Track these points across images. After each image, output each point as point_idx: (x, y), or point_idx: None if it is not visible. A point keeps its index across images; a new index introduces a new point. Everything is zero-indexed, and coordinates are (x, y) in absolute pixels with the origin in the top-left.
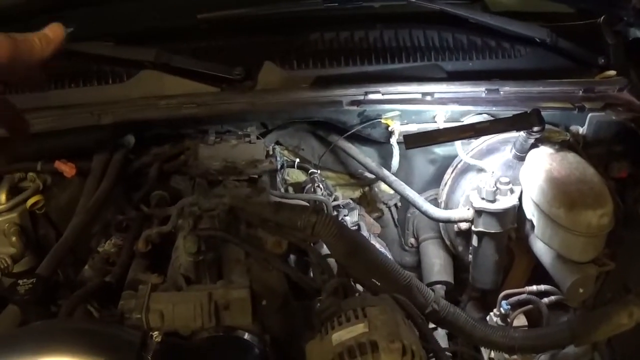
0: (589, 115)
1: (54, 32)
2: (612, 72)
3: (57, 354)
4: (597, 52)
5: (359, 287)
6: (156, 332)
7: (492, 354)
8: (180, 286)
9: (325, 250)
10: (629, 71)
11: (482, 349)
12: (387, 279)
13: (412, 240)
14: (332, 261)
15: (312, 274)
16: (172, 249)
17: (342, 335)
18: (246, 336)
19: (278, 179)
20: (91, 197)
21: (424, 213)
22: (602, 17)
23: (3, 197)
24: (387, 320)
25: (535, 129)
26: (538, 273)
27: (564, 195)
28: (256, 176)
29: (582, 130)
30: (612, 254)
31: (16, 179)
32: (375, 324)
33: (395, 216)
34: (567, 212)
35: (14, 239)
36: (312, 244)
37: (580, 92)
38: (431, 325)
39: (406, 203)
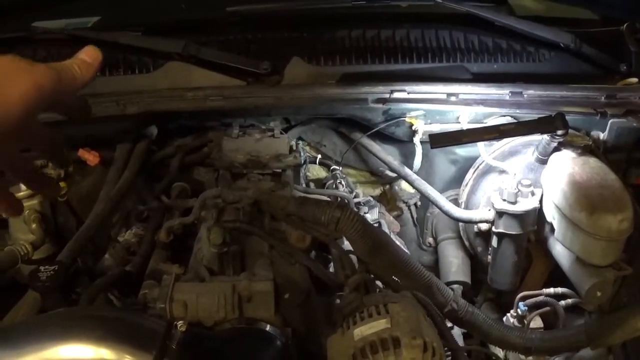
0: (610, 121)
1: (90, 55)
2: (634, 80)
3: (81, 341)
4: (620, 59)
5: (379, 283)
6: (180, 322)
7: (508, 355)
8: (203, 277)
9: (346, 246)
10: None
11: (497, 349)
12: (408, 276)
13: (431, 239)
14: (352, 257)
15: (333, 269)
16: (193, 240)
17: (364, 330)
18: (268, 328)
19: (301, 174)
20: (113, 187)
21: (446, 213)
22: (625, 25)
23: None
24: (409, 317)
25: (559, 132)
26: (555, 276)
27: (586, 199)
28: (280, 170)
29: (602, 135)
30: (629, 259)
31: (38, 165)
32: (398, 320)
33: (415, 215)
34: (588, 216)
35: (34, 225)
36: (334, 240)
37: (603, 98)
38: (448, 324)
39: (426, 202)
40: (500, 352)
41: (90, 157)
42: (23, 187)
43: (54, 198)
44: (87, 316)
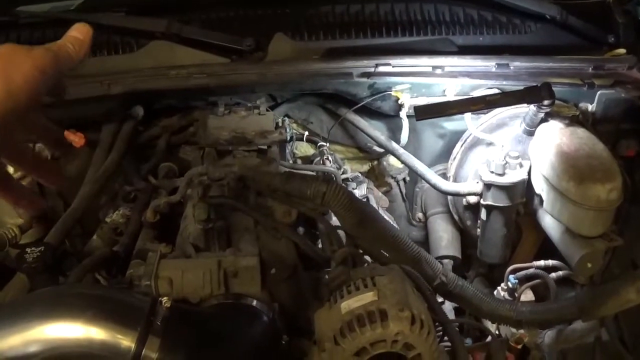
0: (598, 92)
1: (81, 32)
2: (622, 50)
3: (66, 319)
4: (607, 30)
5: (367, 258)
6: (165, 298)
7: (499, 329)
8: (189, 254)
9: (334, 222)
10: (639, 49)
11: (489, 323)
12: (396, 250)
13: (420, 214)
14: (341, 233)
15: (321, 245)
16: (180, 220)
17: (351, 303)
18: (254, 304)
19: (287, 151)
20: (99, 168)
21: (433, 186)
22: None
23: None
24: (397, 290)
25: (546, 102)
26: (546, 249)
27: (574, 169)
28: (265, 147)
29: (591, 107)
30: (620, 230)
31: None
32: (385, 293)
33: (404, 190)
34: (576, 185)
35: (21, 209)
36: (321, 215)
37: (590, 69)
38: (439, 299)
39: (415, 177)
40: (491, 326)
41: (76, 139)
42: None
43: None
44: (72, 294)
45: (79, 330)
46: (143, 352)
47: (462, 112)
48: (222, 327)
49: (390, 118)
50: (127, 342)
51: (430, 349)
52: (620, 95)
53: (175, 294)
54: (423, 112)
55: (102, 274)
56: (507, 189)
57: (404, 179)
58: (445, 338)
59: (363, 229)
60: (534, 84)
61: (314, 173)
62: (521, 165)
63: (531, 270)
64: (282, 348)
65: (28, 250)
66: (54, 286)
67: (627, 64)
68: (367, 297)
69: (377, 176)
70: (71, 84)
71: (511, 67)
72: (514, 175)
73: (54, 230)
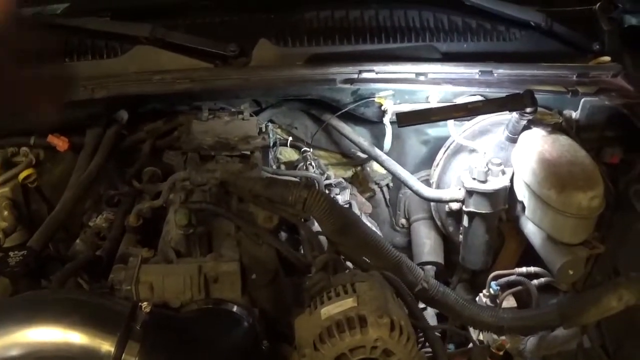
0: (583, 100)
1: None
2: (607, 58)
3: (46, 324)
4: (592, 38)
5: (349, 264)
6: (145, 303)
7: (481, 335)
8: (170, 259)
9: (316, 228)
10: (623, 57)
11: (471, 330)
12: (377, 256)
13: (403, 220)
14: (322, 239)
15: (302, 251)
16: (163, 224)
17: (331, 309)
18: (235, 309)
19: (270, 156)
20: (83, 172)
21: (415, 192)
22: (598, 4)
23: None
24: (376, 296)
25: (528, 110)
26: (528, 255)
27: (555, 177)
28: (248, 152)
29: (575, 114)
30: (602, 237)
31: (9, 153)
32: (364, 299)
33: (387, 196)
34: (557, 193)
35: (5, 212)
36: (303, 221)
37: (574, 76)
38: (421, 305)
39: (398, 183)
40: (474, 333)
41: (60, 143)
42: None
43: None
44: (52, 299)
45: (59, 335)
46: (123, 357)
47: (444, 119)
48: (202, 332)
49: (374, 124)
50: (106, 346)
51: (409, 355)
52: (604, 102)
53: (156, 299)
54: (405, 119)
55: (85, 278)
56: (489, 196)
57: (387, 185)
58: (427, 344)
59: (344, 235)
60: (517, 92)
61: (296, 179)
62: (504, 173)
63: (513, 277)
64: (262, 353)
65: (11, 254)
66: (34, 291)
67: (612, 72)
68: (346, 303)
69: (360, 182)
70: None
71: (495, 75)
72: (496, 182)
73: (37, 234)
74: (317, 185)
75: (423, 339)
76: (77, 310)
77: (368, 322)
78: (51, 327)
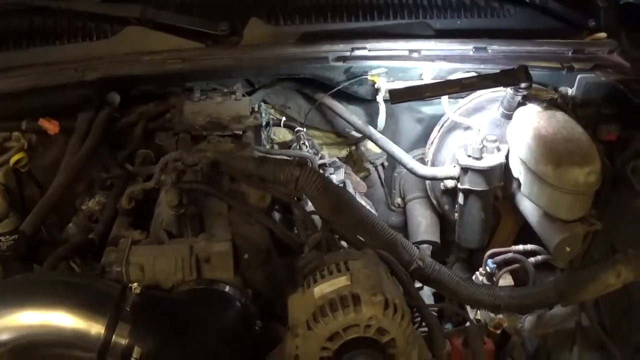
0: (579, 76)
1: None
2: (603, 34)
3: (36, 307)
4: (588, 14)
5: (344, 243)
6: (135, 284)
7: (478, 314)
8: (162, 240)
9: (309, 208)
10: (620, 34)
11: (468, 309)
12: (372, 235)
13: (399, 200)
14: (316, 218)
15: (296, 230)
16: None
17: (324, 288)
18: (227, 289)
19: (263, 136)
20: (75, 155)
21: (410, 170)
22: None
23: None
24: (370, 274)
25: (523, 85)
26: (525, 233)
27: (551, 153)
28: (240, 132)
29: (571, 91)
30: (599, 214)
31: (1, 139)
32: (358, 277)
33: (382, 176)
34: (554, 169)
35: None
36: (296, 200)
37: (570, 52)
38: (417, 285)
39: (393, 163)
40: (471, 312)
41: (50, 126)
42: None
43: None
44: (41, 282)
45: (49, 318)
46: (113, 339)
47: (437, 96)
48: (194, 313)
49: (367, 103)
50: (97, 328)
51: (404, 334)
52: (600, 79)
53: (146, 280)
54: (398, 96)
55: (77, 261)
56: (484, 173)
57: (382, 164)
58: (424, 324)
59: (338, 214)
60: (512, 67)
61: (289, 158)
62: (499, 149)
63: (509, 255)
64: (255, 334)
65: (2, 239)
66: (23, 274)
67: (608, 48)
68: (340, 282)
69: (355, 161)
70: (45, 71)
71: (489, 51)
72: (491, 159)
73: (29, 218)
74: (310, 163)
75: (419, 318)
76: (66, 293)
77: (361, 300)
78: (41, 310)
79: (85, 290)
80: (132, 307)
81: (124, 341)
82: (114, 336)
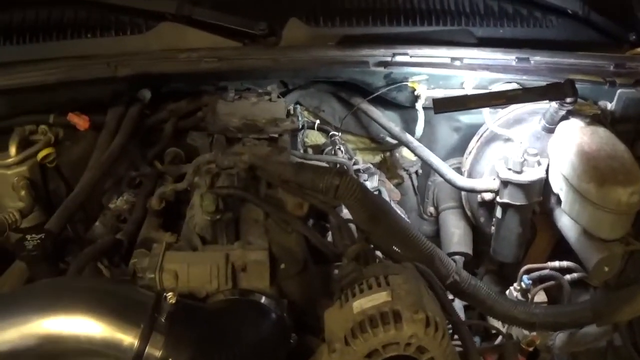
0: (619, 91)
1: None
2: None
3: (66, 314)
4: (628, 28)
5: (379, 254)
6: (170, 293)
7: (505, 327)
8: (195, 246)
9: (345, 214)
10: None
11: (495, 321)
12: (409, 247)
13: (432, 209)
14: (351, 226)
15: (331, 238)
16: (186, 208)
17: (364, 303)
18: (263, 300)
19: (298, 140)
20: (104, 152)
21: (448, 181)
22: None
23: (13, 150)
24: (411, 290)
25: (568, 100)
26: (559, 249)
27: (595, 171)
28: (277, 135)
29: (610, 105)
30: (636, 233)
31: (27, 131)
32: (399, 293)
33: (416, 184)
34: (597, 187)
35: (23, 192)
36: (333, 208)
37: (612, 67)
38: (449, 297)
39: (427, 171)
40: (499, 325)
41: (80, 122)
42: (12, 152)
43: None
44: (73, 288)
45: (79, 326)
46: (146, 350)
47: (482, 107)
48: (230, 324)
49: (404, 109)
50: (129, 339)
51: (444, 353)
52: None
53: (180, 288)
54: (442, 105)
55: (104, 262)
56: (525, 187)
57: (416, 172)
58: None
59: (376, 224)
60: (555, 80)
61: (325, 164)
62: (539, 163)
63: (546, 271)
64: (290, 347)
65: (28, 237)
66: (53, 278)
67: None
68: (380, 297)
69: (388, 168)
70: (77, 65)
71: (531, 62)
72: (532, 174)
73: (56, 216)
74: (348, 171)
75: (451, 331)
76: (98, 300)
77: (403, 317)
78: (71, 317)
79: (118, 298)
80: (167, 317)
81: (158, 353)
82: (147, 347)
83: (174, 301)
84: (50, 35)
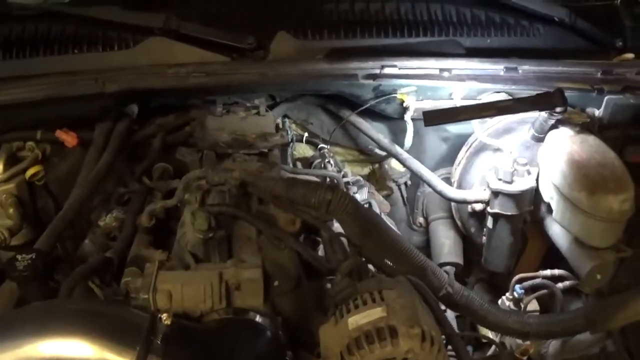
0: (606, 98)
1: None
2: (631, 55)
3: (59, 337)
4: (615, 34)
5: (371, 267)
6: (165, 314)
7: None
8: (188, 264)
9: (336, 228)
10: None
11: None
12: (402, 260)
13: (421, 219)
14: (342, 240)
15: (323, 254)
16: (177, 224)
17: (359, 319)
18: (258, 319)
19: (288, 154)
20: (92, 169)
21: (439, 193)
22: None
23: (0, 167)
24: (405, 304)
25: (558, 109)
26: (549, 257)
27: (586, 179)
28: (267, 150)
29: (598, 112)
30: (627, 240)
31: (14, 148)
32: (394, 308)
33: (405, 195)
34: (588, 196)
35: (11, 210)
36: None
37: (599, 74)
38: (442, 308)
39: (416, 181)
40: (492, 335)
41: (68, 138)
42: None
43: None
44: (67, 310)
45: (74, 349)
46: None
47: (472, 118)
48: (225, 344)
49: (393, 121)
50: None
51: None
52: (628, 100)
53: (174, 308)
54: (432, 118)
55: (95, 281)
56: (515, 197)
57: (405, 183)
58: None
59: (368, 238)
60: (543, 89)
61: (316, 178)
62: (529, 173)
63: (538, 280)
64: None
65: (18, 257)
66: (46, 301)
67: (636, 69)
68: (375, 313)
69: (378, 180)
70: (64, 81)
71: (520, 71)
72: (522, 183)
73: (45, 235)
74: (339, 185)
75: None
76: (92, 322)
77: (399, 333)
78: (65, 340)
79: (112, 320)
80: (162, 338)
81: None
82: None
83: (169, 322)
84: (37, 50)
